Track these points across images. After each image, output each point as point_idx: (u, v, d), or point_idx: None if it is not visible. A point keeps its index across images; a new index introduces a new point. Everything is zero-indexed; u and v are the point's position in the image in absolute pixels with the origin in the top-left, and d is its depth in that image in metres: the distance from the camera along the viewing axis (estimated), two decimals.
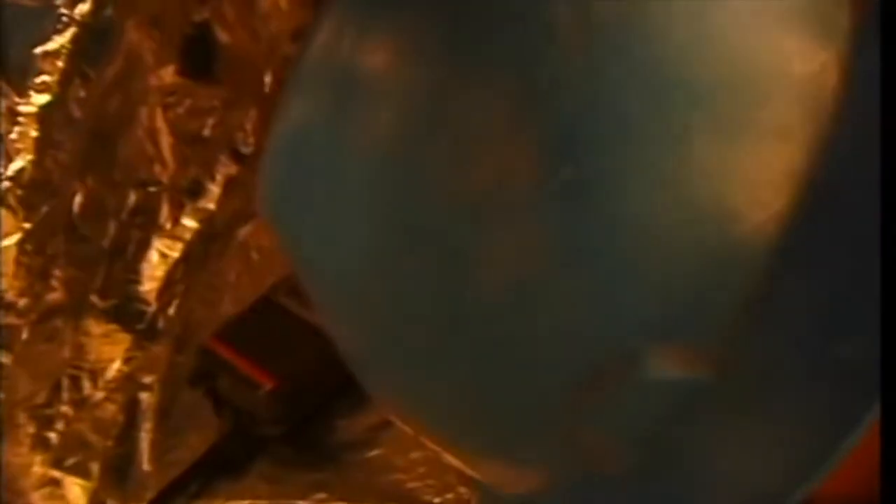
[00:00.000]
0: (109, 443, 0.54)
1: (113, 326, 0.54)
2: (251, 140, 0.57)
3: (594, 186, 0.30)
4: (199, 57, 0.54)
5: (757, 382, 0.30)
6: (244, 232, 0.59)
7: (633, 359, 0.30)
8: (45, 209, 0.49)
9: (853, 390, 0.29)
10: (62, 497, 0.53)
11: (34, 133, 0.47)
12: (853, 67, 0.30)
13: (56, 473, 0.53)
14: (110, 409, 0.54)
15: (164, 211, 0.55)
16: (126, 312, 0.55)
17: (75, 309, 0.52)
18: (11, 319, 0.49)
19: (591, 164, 0.30)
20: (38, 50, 0.47)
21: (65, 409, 0.53)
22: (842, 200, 0.30)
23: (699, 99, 0.30)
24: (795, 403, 0.30)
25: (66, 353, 0.52)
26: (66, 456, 0.53)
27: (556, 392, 0.31)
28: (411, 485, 0.50)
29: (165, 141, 0.54)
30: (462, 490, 0.48)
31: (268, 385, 0.52)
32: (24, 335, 0.50)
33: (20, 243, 0.48)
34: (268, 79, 0.57)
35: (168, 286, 0.56)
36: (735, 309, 0.30)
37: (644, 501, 0.32)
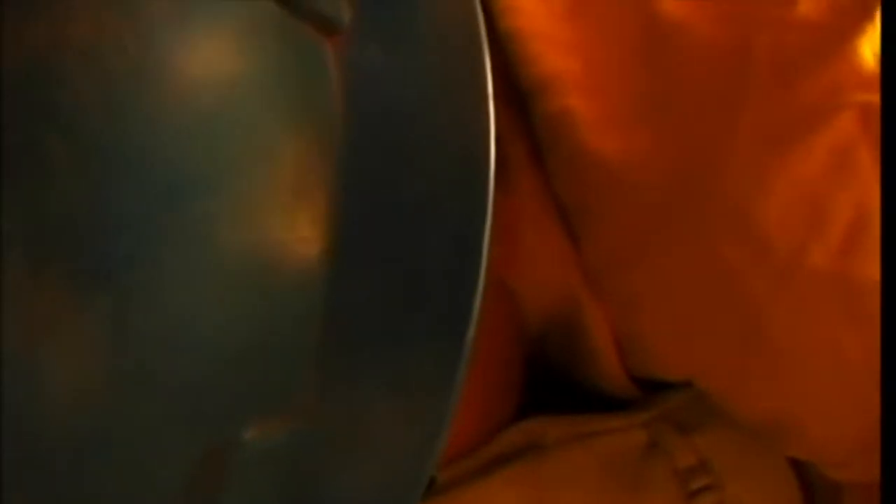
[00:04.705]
0: None
1: None
2: None
3: (140, 304, 0.30)
4: None
5: (345, 413, 0.31)
6: None
7: (232, 441, 0.31)
8: None
9: (428, 400, 0.31)
10: None
11: None
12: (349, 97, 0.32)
13: None
14: None
15: None
16: None
17: None
18: None
19: (127, 286, 0.30)
20: None
21: None
22: (371, 225, 0.31)
23: (214, 188, 0.31)
24: (384, 424, 0.31)
25: None
26: None
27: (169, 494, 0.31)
28: None
29: None
30: None
31: None
32: None
33: None
34: None
35: None
36: (307, 355, 0.31)
37: None
